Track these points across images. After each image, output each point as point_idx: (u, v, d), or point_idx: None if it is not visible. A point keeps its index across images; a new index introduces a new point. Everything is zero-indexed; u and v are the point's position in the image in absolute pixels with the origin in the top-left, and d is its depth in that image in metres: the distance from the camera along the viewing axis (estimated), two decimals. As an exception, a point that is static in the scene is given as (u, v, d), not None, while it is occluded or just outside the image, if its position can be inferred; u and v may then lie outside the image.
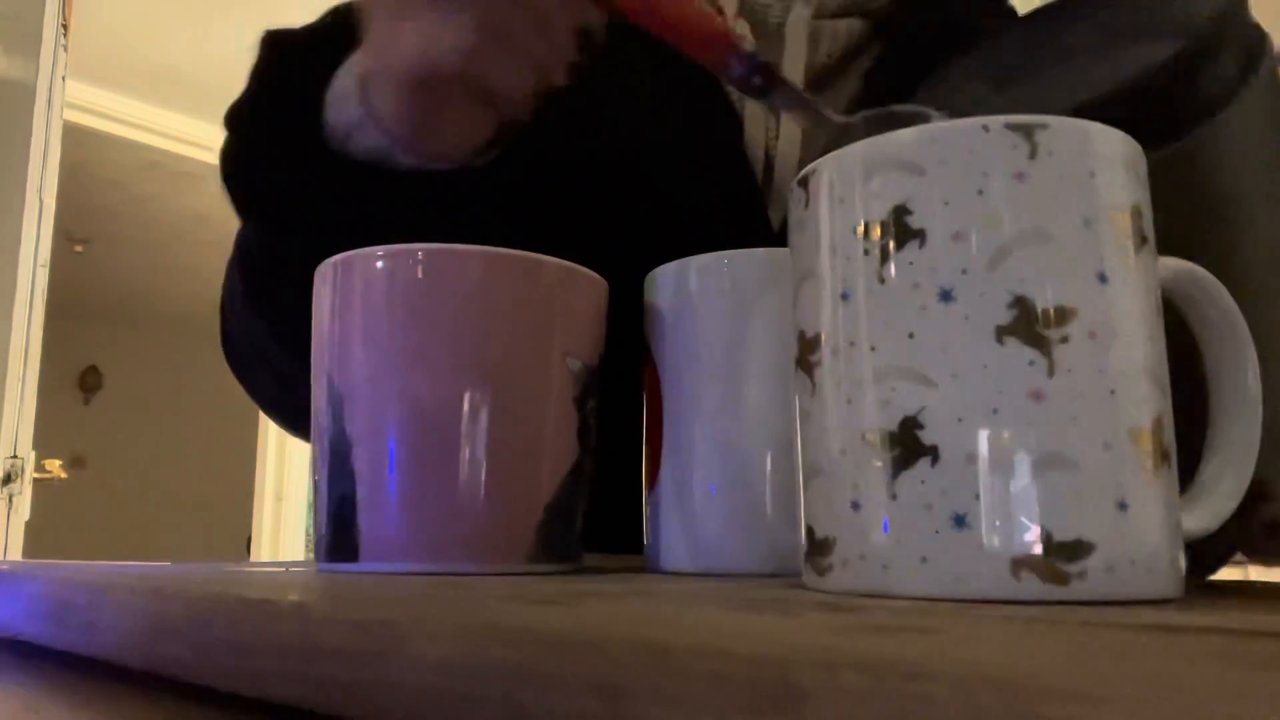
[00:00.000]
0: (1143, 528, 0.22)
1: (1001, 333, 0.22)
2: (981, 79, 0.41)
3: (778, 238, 0.53)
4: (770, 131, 0.60)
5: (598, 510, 0.37)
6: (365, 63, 0.42)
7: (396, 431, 0.32)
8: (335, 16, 0.48)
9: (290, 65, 0.46)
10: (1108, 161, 0.23)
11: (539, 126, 0.45)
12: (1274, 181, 0.32)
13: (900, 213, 0.23)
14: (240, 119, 0.47)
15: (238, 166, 0.47)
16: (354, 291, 0.33)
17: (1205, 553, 0.33)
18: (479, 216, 0.38)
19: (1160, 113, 0.29)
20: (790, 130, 0.59)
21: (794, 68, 0.60)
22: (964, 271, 0.22)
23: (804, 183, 0.26)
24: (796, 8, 0.61)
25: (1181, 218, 0.28)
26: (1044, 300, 0.22)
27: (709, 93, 0.62)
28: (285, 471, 3.32)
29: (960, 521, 0.22)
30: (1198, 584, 0.33)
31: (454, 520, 0.32)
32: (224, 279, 0.58)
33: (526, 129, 0.44)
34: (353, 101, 0.43)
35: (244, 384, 0.61)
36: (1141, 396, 0.22)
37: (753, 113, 0.60)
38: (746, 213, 0.59)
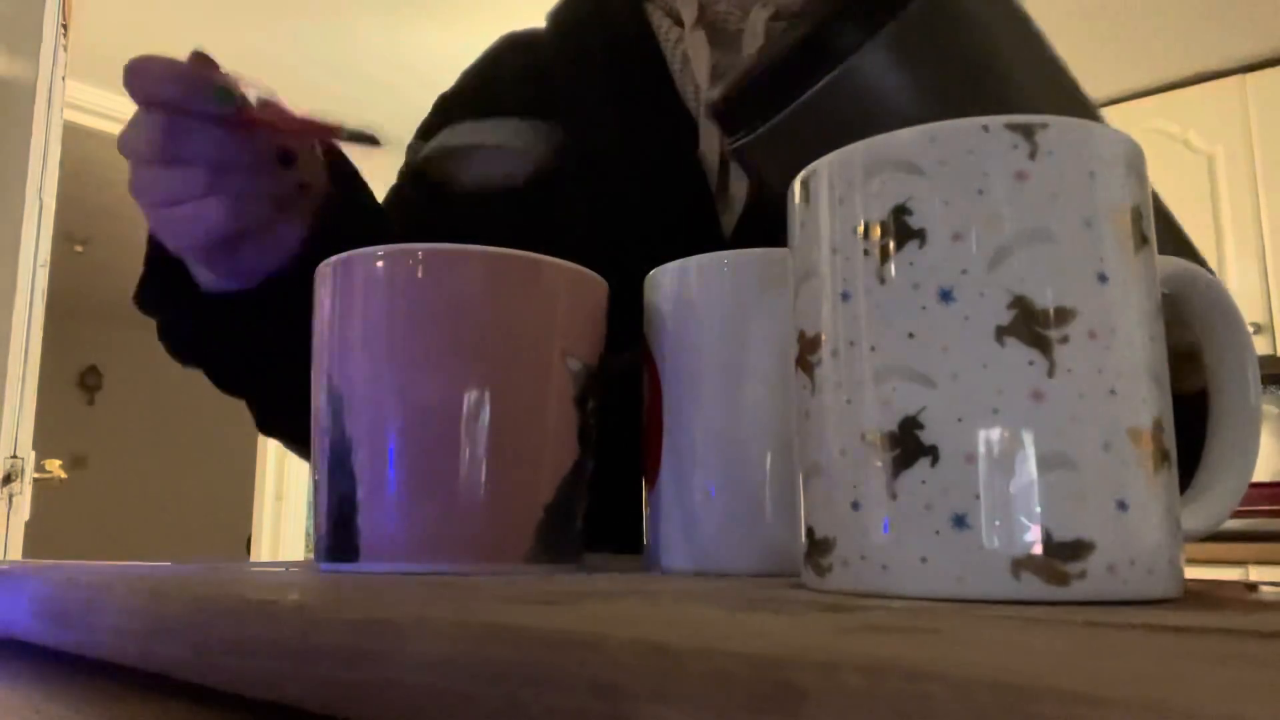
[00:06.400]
0: (1143, 528, 0.22)
1: (1001, 333, 0.22)
2: None
3: (728, 244, 0.53)
4: (724, 137, 0.60)
5: (598, 510, 0.37)
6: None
7: (396, 431, 0.32)
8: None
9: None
10: (1108, 161, 0.23)
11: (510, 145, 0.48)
12: (1020, 30, 0.38)
13: (900, 213, 0.23)
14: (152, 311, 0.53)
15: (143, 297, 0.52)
16: (354, 292, 0.33)
17: None
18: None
19: None
20: None
21: None
22: (964, 271, 0.22)
23: (804, 183, 0.26)
24: (755, 11, 0.61)
25: (952, 70, 0.35)
26: (1044, 300, 0.22)
27: (666, 104, 0.62)
28: (285, 471, 3.32)
29: (960, 521, 0.22)
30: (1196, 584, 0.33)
31: (454, 520, 0.32)
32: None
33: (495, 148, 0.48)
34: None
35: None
36: (1141, 396, 0.22)
37: (708, 119, 0.60)
38: (698, 219, 0.59)
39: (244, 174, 0.43)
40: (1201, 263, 0.38)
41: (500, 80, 0.69)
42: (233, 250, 0.45)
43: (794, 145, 0.35)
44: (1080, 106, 0.39)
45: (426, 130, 0.67)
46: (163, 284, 0.50)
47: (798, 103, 0.35)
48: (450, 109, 0.68)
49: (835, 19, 0.35)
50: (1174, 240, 0.40)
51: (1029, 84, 0.37)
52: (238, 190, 0.42)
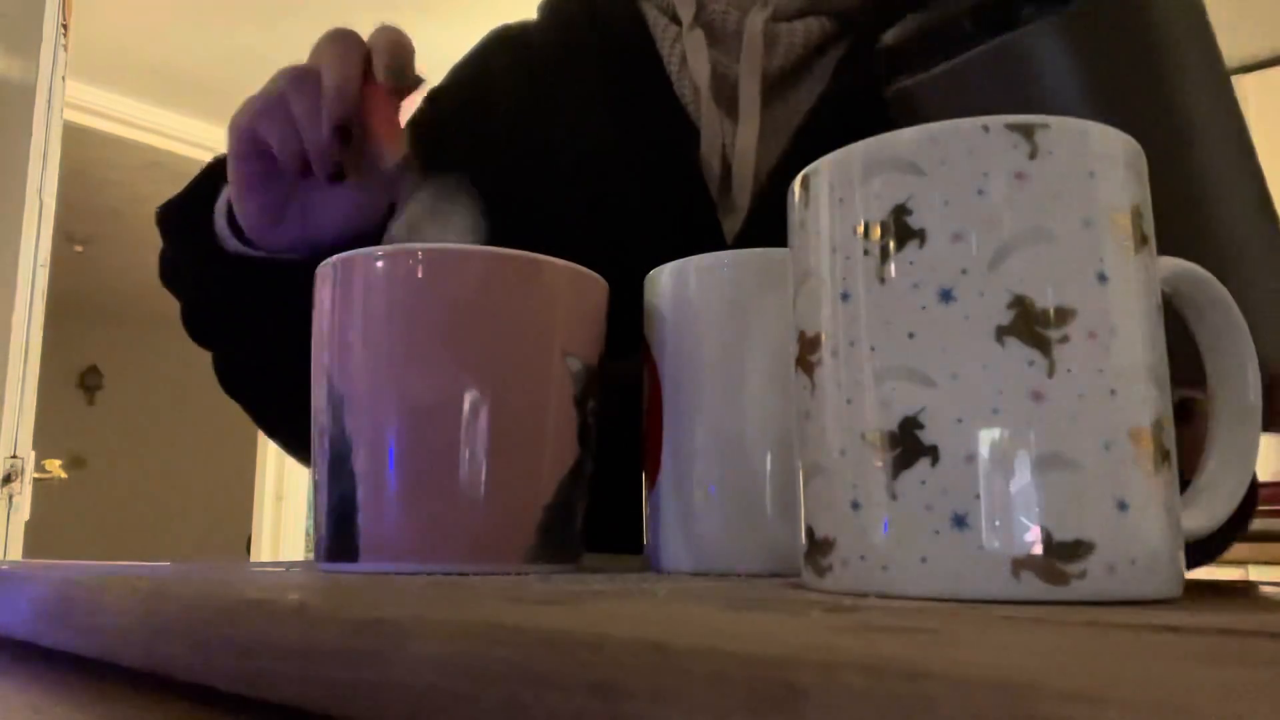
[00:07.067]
0: (1143, 528, 0.22)
1: (1001, 333, 0.22)
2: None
3: (729, 248, 0.53)
4: (727, 139, 0.60)
5: (598, 510, 0.37)
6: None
7: (396, 431, 0.32)
8: (212, 169, 0.55)
9: (184, 215, 0.54)
10: (1108, 161, 0.23)
11: (500, 142, 0.50)
12: (1201, 38, 0.38)
13: (900, 213, 0.23)
14: (169, 272, 0.55)
15: (165, 271, 0.55)
16: (354, 292, 0.33)
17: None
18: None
19: None
20: (745, 140, 0.59)
21: (750, 71, 0.59)
22: (964, 271, 0.22)
23: (804, 183, 0.26)
24: (753, 12, 0.61)
25: (1125, 64, 0.35)
26: (1044, 300, 0.22)
27: (664, 105, 0.62)
28: (285, 471, 3.32)
29: (960, 521, 0.22)
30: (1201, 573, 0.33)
31: (454, 520, 0.32)
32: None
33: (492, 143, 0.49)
34: (222, 211, 0.51)
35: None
36: (1141, 396, 0.22)
37: (709, 123, 0.60)
38: (697, 221, 0.59)
39: (310, 104, 0.44)
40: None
41: (491, 75, 0.68)
42: (278, 206, 0.47)
43: (956, 96, 0.36)
44: (1241, 129, 0.39)
45: (416, 124, 0.66)
46: (195, 248, 0.52)
47: (968, 55, 0.37)
48: (441, 105, 0.68)
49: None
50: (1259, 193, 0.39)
51: (1196, 99, 0.38)
52: (299, 111, 0.44)
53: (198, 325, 0.55)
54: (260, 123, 0.44)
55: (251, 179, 0.46)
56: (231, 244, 0.50)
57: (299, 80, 0.44)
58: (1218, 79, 0.38)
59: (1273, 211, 0.39)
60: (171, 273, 0.55)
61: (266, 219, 0.48)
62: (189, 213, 0.53)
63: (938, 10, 0.40)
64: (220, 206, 0.51)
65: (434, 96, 0.69)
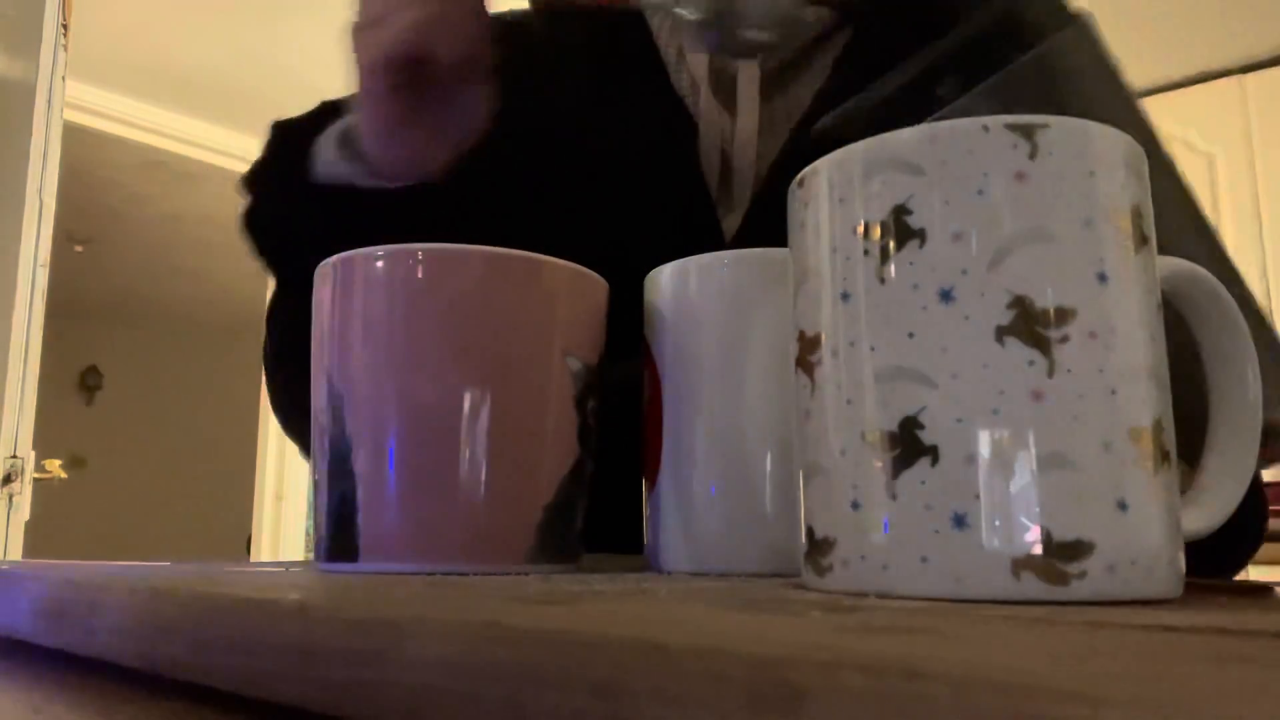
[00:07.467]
0: (1143, 528, 0.22)
1: (1001, 333, 0.22)
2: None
3: (729, 245, 0.53)
4: (726, 134, 0.59)
5: (598, 510, 0.37)
6: (349, 119, 0.51)
7: (396, 431, 0.32)
8: (325, 106, 0.57)
9: (289, 137, 0.56)
10: (1108, 161, 0.23)
11: (494, 137, 0.51)
12: (1114, 91, 0.39)
13: (900, 213, 0.23)
14: (252, 180, 0.56)
15: (252, 219, 0.56)
16: (354, 291, 0.33)
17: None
18: (438, 231, 0.41)
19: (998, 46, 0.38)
20: (745, 133, 0.58)
21: (749, 64, 0.59)
22: (964, 271, 0.22)
23: (804, 183, 0.26)
24: None
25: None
26: (1044, 300, 0.22)
27: (662, 98, 0.61)
28: (285, 471, 3.32)
29: (960, 521, 0.22)
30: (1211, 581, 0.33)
31: (454, 520, 0.32)
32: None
33: (484, 143, 0.51)
34: (331, 142, 0.52)
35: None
36: (1141, 396, 0.22)
37: (708, 117, 0.59)
38: (696, 217, 0.58)
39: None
40: (1236, 277, 0.38)
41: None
42: (405, 125, 0.48)
43: None
44: (1172, 176, 0.39)
45: None
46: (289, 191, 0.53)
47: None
48: None
49: (939, 69, 0.39)
50: (1210, 253, 0.41)
51: None
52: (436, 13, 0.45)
53: (282, 267, 0.56)
54: (429, 33, 0.46)
55: (399, 88, 0.47)
56: (337, 169, 0.51)
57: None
58: (1146, 138, 0.40)
59: (1226, 263, 0.39)
60: (257, 220, 0.56)
61: (397, 122, 0.48)
62: (280, 167, 0.54)
63: (866, 96, 0.42)
64: (331, 135, 0.52)
65: None
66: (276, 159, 0.56)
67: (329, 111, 0.55)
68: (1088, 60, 0.38)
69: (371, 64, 0.47)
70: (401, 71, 0.46)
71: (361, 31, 0.47)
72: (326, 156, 0.52)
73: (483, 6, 0.49)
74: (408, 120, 0.49)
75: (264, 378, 0.62)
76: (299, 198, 0.52)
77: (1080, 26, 0.39)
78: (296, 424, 0.59)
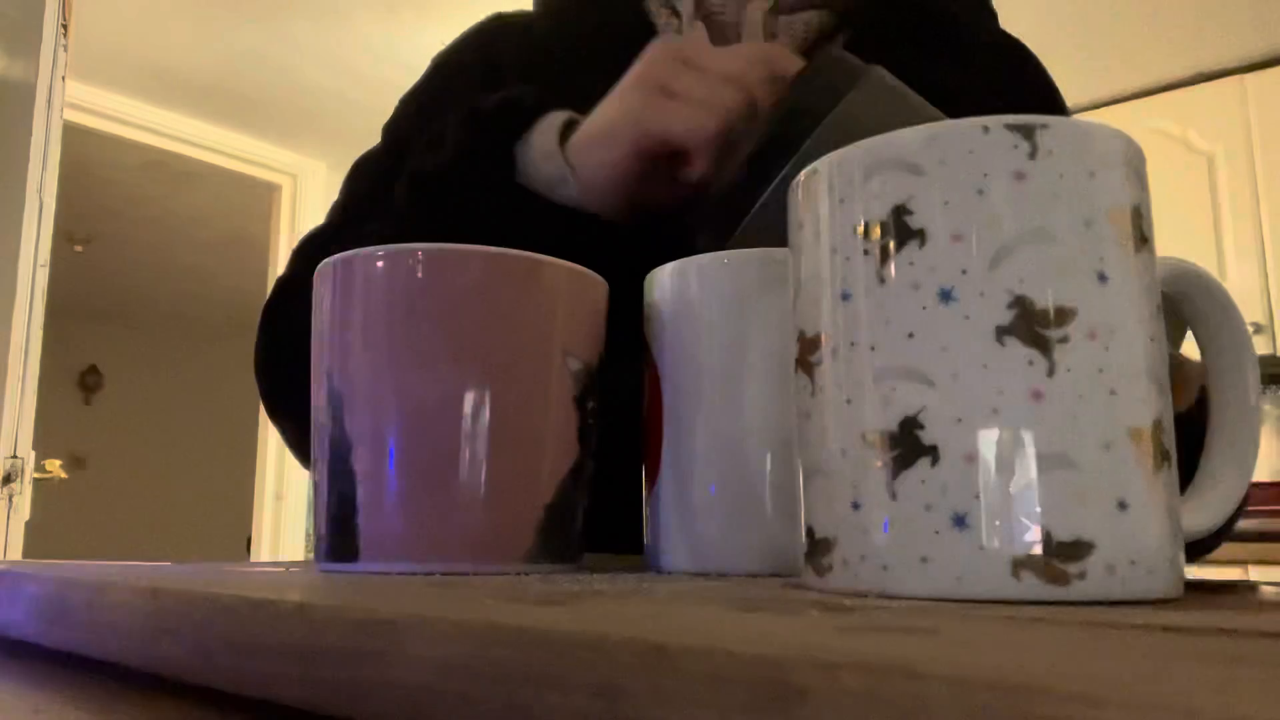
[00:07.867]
0: (1143, 528, 0.22)
1: (1001, 333, 0.22)
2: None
3: (730, 245, 0.53)
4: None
5: (598, 510, 0.37)
6: (575, 139, 0.51)
7: (396, 431, 0.32)
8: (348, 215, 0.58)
9: (488, 128, 0.54)
10: (1108, 161, 0.23)
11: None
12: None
13: (900, 213, 0.23)
14: (268, 316, 0.58)
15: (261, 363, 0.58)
16: (354, 291, 0.33)
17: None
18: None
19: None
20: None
21: None
22: (964, 271, 0.22)
23: (804, 183, 0.26)
24: (753, 5, 0.60)
25: None
26: (1044, 300, 0.22)
27: None
28: (285, 471, 3.32)
29: (960, 521, 0.22)
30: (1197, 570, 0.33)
31: (453, 520, 0.32)
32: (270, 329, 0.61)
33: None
34: (556, 161, 0.50)
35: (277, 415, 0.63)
36: (1141, 396, 0.22)
37: None
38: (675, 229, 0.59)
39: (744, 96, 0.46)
40: None
41: (500, 65, 0.68)
42: (645, 174, 0.48)
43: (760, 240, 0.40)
44: None
45: (422, 106, 0.66)
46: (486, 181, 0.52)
47: (747, 217, 0.42)
48: (454, 84, 0.67)
49: (768, 145, 0.42)
50: None
51: None
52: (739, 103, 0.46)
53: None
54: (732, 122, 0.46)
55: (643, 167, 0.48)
56: (548, 167, 0.50)
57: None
58: None
59: None
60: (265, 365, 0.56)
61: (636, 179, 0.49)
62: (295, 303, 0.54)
63: (721, 180, 0.45)
64: (548, 132, 0.51)
65: (442, 66, 0.69)
66: (297, 285, 0.54)
67: (351, 220, 0.54)
68: (885, 108, 0.40)
69: (665, 134, 0.47)
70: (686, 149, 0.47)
71: (657, 98, 0.47)
72: (547, 170, 0.51)
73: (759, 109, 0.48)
74: (642, 182, 0.49)
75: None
76: (515, 203, 0.51)
77: (871, 78, 0.41)
78: (292, 433, 0.59)
